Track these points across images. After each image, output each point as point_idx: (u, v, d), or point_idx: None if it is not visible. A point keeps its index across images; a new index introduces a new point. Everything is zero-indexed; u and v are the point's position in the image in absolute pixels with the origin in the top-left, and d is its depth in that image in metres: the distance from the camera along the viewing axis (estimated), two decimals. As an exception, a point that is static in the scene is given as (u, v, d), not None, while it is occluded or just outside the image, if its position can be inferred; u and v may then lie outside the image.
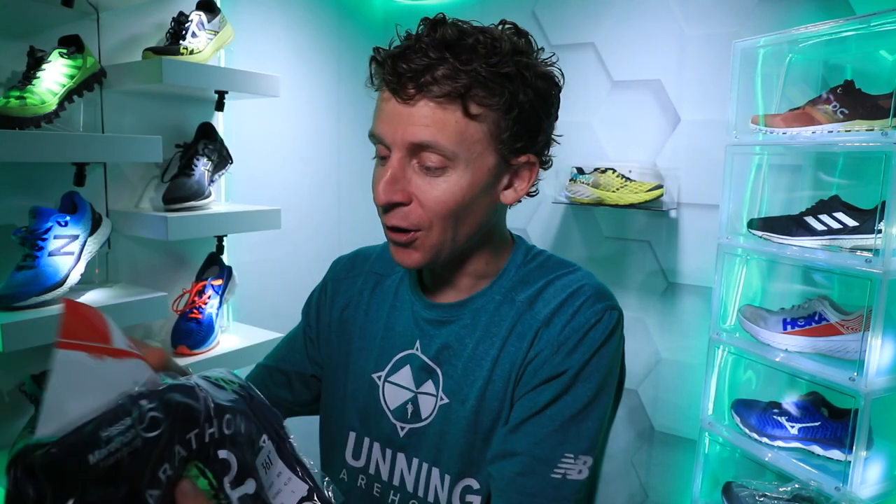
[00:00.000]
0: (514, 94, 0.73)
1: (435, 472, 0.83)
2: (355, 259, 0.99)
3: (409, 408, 0.85)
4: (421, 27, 0.74)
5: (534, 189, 0.83)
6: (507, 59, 0.72)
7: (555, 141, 0.84)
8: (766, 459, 1.46)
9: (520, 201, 0.82)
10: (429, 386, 0.84)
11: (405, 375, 0.86)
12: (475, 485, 0.81)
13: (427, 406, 0.84)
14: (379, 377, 0.88)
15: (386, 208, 0.76)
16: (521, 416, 0.77)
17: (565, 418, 0.75)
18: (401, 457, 0.86)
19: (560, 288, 0.80)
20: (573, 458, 0.74)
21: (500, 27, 0.77)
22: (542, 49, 0.80)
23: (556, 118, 0.83)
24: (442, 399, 0.83)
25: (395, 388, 0.86)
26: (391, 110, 0.73)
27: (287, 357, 1.01)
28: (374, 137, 0.77)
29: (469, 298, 0.84)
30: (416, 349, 0.86)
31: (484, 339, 0.81)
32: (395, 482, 0.86)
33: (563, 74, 0.81)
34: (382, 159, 0.77)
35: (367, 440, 0.88)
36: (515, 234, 0.90)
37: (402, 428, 0.85)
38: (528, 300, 0.81)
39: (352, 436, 0.89)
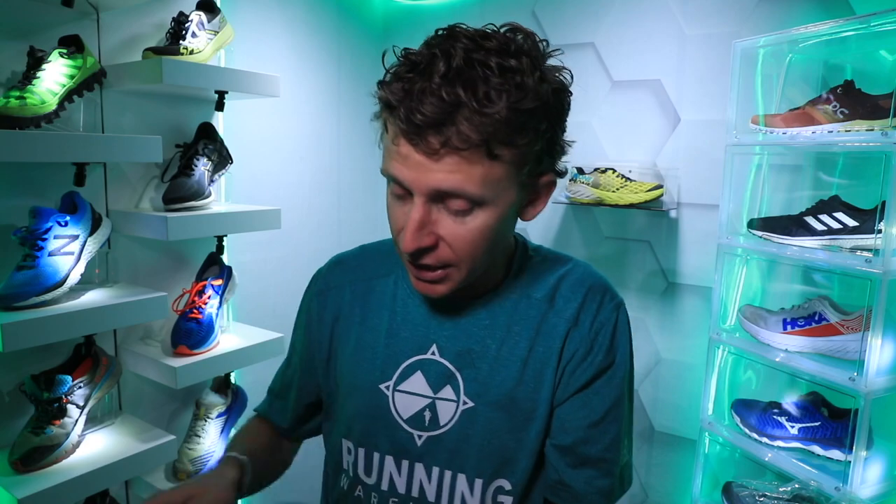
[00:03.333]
0: (537, 128, 0.69)
1: (461, 478, 0.81)
2: (336, 268, 0.95)
3: (427, 415, 0.82)
4: (427, 49, 0.68)
5: None
6: (531, 93, 0.67)
7: (567, 145, 0.78)
8: (766, 459, 1.46)
9: None
10: (447, 391, 0.82)
11: (418, 382, 0.83)
12: (507, 485, 0.81)
13: (447, 412, 0.82)
14: (387, 387, 0.84)
15: (413, 256, 0.72)
16: (584, 422, 0.80)
17: (622, 419, 0.82)
18: (419, 467, 0.83)
19: (574, 284, 0.84)
20: (626, 445, 0.84)
21: (508, 33, 0.71)
22: (546, 42, 0.74)
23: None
24: (465, 403, 0.81)
25: (408, 397, 0.83)
26: (411, 157, 0.68)
27: (288, 391, 1.00)
28: (390, 177, 0.72)
29: (483, 297, 0.84)
30: (433, 353, 0.83)
31: (507, 339, 0.82)
32: (415, 493, 0.83)
33: (572, 75, 0.75)
34: (399, 196, 0.73)
35: (376, 455, 0.85)
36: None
37: (420, 437, 0.83)
38: (546, 298, 0.83)
39: (361, 452, 0.86)
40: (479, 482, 0.81)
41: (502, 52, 0.67)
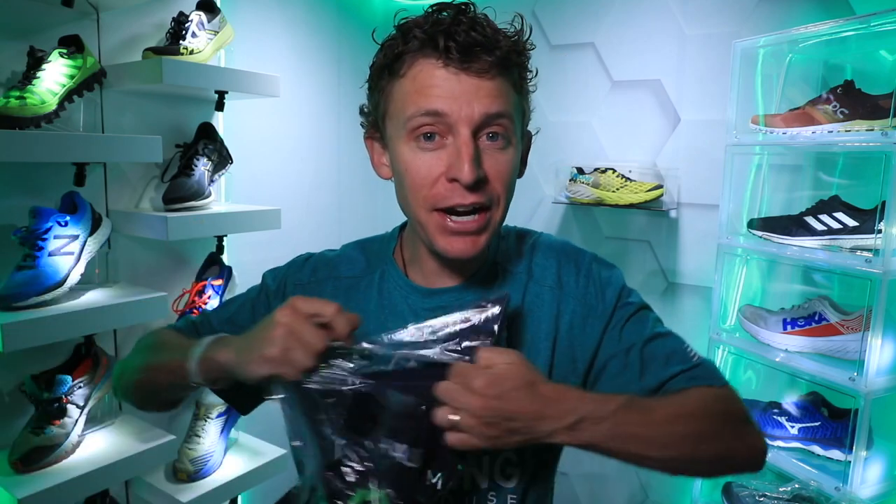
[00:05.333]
0: (529, 74, 0.79)
1: (469, 459, 0.81)
2: (317, 264, 0.94)
3: None
4: (446, 11, 0.73)
5: None
6: (525, 43, 0.76)
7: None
8: (766, 459, 1.46)
9: None
10: None
11: None
12: (513, 457, 0.83)
13: None
14: None
15: (472, 187, 0.73)
16: (631, 365, 0.80)
17: (670, 337, 0.83)
18: None
19: (546, 253, 0.87)
20: (693, 350, 0.83)
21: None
22: None
23: None
24: None
25: None
26: (453, 85, 0.71)
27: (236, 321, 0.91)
28: (428, 114, 0.72)
29: (466, 281, 0.84)
30: None
31: None
32: None
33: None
34: (428, 138, 0.73)
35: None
36: None
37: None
38: (525, 270, 0.86)
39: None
40: (485, 459, 0.82)
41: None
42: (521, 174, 0.83)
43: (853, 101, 1.38)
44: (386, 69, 0.75)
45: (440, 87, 0.71)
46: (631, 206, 1.77)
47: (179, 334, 0.92)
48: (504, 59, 0.72)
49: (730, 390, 0.81)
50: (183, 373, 0.77)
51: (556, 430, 0.65)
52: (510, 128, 0.74)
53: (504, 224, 0.91)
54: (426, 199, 0.75)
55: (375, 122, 0.81)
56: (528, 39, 0.78)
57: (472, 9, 0.74)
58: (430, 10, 0.74)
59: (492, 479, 0.82)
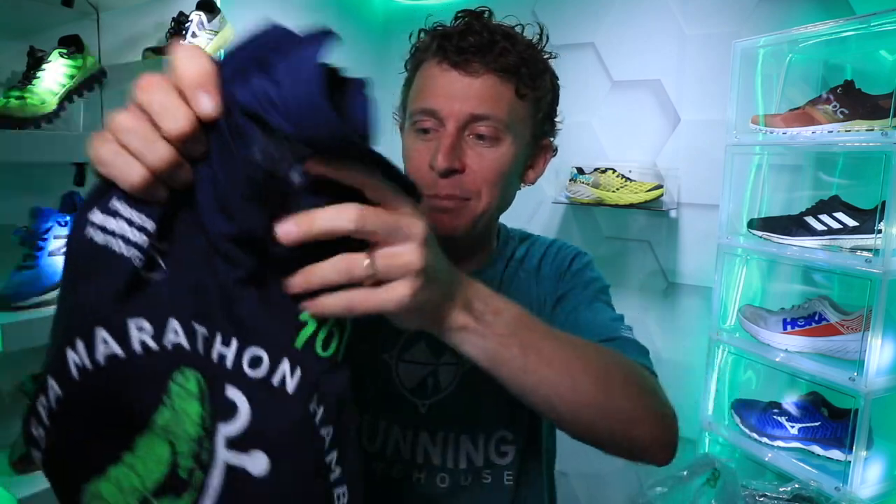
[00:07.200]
0: (545, 83, 0.83)
1: (465, 439, 0.83)
2: None
3: (430, 381, 0.84)
4: (462, 18, 0.81)
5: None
6: (541, 52, 0.83)
7: (558, 127, 0.93)
8: (766, 459, 1.46)
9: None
10: (449, 356, 0.84)
11: (420, 350, 0.85)
12: (509, 435, 0.84)
13: (447, 375, 0.84)
14: (390, 356, 0.86)
15: (444, 174, 0.77)
16: (572, 320, 0.84)
17: (604, 305, 0.85)
18: (424, 435, 0.84)
19: (539, 248, 0.93)
20: (629, 329, 0.82)
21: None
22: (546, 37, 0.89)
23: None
24: (465, 365, 0.83)
25: (411, 366, 0.85)
26: (449, 85, 0.77)
27: None
28: (424, 112, 0.79)
29: (478, 268, 0.88)
30: None
31: None
32: (419, 460, 0.84)
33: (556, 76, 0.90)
34: (424, 132, 0.79)
35: (382, 424, 0.86)
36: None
37: (423, 405, 0.84)
38: (519, 259, 0.92)
39: (364, 420, 0.87)
40: (482, 437, 0.84)
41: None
42: (529, 180, 0.88)
43: (853, 101, 1.38)
44: (408, 68, 0.85)
45: (436, 85, 0.78)
46: (631, 206, 1.77)
47: None
48: (497, 61, 0.76)
49: (650, 371, 0.72)
50: None
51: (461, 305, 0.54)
52: (500, 129, 0.77)
53: (514, 227, 0.96)
54: (420, 183, 0.80)
55: (403, 115, 0.88)
56: (541, 49, 0.83)
57: (489, 15, 0.81)
58: (457, 15, 0.83)
59: (487, 458, 0.84)
